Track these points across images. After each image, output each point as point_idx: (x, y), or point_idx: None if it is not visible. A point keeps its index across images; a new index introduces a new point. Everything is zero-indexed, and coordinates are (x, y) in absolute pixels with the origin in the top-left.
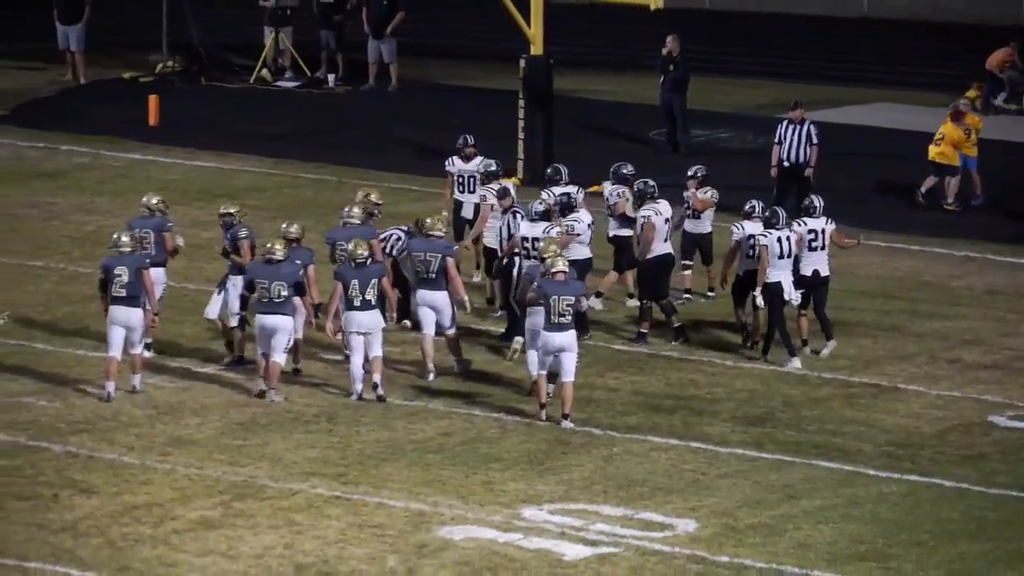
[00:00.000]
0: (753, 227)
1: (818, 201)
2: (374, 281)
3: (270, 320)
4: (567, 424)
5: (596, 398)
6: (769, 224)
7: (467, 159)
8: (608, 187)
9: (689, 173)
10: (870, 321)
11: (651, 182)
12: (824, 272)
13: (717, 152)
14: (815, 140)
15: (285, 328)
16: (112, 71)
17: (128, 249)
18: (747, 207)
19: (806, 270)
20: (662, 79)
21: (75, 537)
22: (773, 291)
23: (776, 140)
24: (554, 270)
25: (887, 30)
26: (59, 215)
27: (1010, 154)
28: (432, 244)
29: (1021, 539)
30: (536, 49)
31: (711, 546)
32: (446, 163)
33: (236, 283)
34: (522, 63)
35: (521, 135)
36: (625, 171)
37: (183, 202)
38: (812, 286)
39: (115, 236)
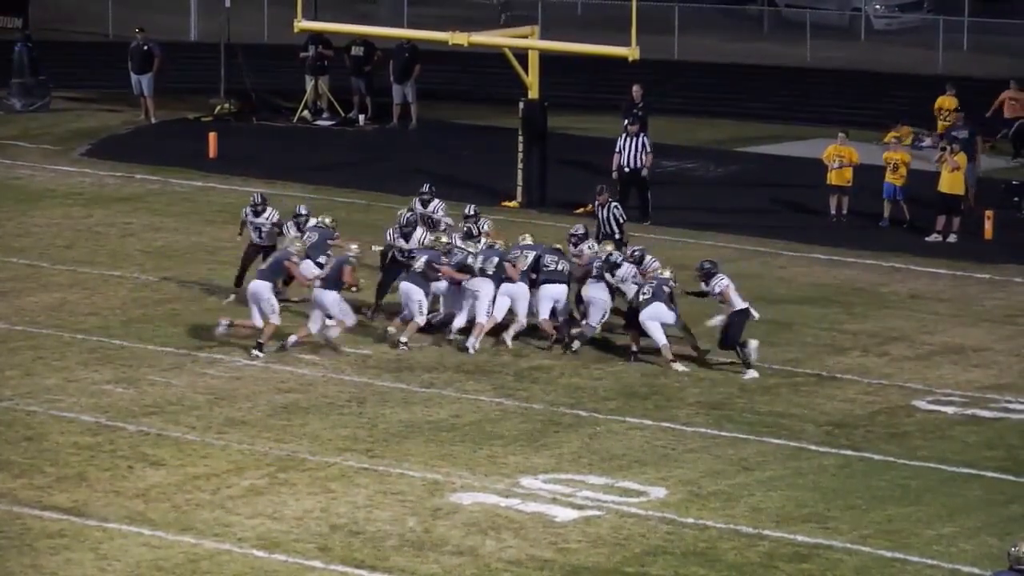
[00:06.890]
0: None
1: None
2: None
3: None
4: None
5: (583, 386)
6: None
7: (424, 204)
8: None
9: (571, 232)
10: (812, 321)
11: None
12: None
13: (686, 180)
14: (648, 149)
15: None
16: (178, 112)
17: (293, 245)
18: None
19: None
20: (625, 121)
21: (146, 502)
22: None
23: (616, 150)
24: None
25: (825, 78)
26: (134, 233)
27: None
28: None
29: (938, 503)
30: (533, 94)
31: (679, 510)
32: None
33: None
34: (521, 105)
35: (520, 165)
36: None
37: (235, 221)
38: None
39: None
